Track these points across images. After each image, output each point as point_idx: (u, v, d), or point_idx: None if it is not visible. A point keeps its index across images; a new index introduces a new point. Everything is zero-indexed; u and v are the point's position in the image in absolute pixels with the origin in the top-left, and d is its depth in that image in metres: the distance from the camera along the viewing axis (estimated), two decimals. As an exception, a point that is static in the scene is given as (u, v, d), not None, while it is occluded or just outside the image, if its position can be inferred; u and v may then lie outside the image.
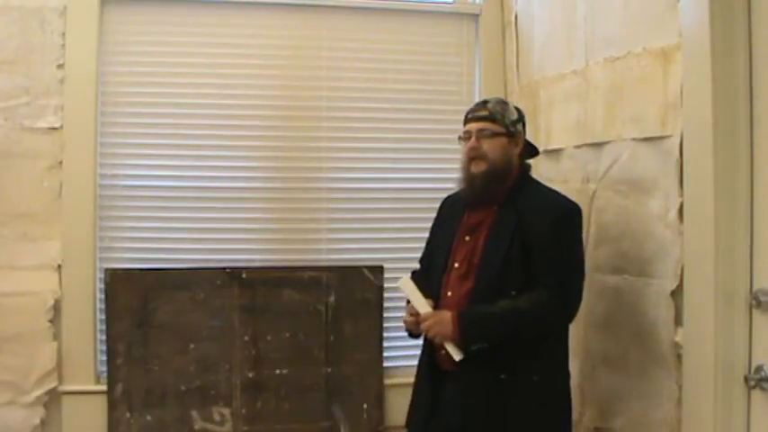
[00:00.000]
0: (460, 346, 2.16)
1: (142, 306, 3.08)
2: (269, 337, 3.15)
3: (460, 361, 2.16)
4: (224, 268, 3.16)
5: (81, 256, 3.11)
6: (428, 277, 2.40)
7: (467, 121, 2.34)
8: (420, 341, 2.40)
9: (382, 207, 3.41)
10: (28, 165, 3.07)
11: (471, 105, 2.41)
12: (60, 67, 3.09)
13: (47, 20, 3.09)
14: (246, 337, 3.13)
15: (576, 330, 2.68)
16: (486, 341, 2.14)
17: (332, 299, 3.20)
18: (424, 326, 2.20)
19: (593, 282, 2.58)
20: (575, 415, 2.68)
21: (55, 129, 3.09)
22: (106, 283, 3.08)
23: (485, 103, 2.35)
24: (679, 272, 2.12)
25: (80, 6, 3.11)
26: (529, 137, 3.14)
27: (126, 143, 3.24)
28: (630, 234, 2.38)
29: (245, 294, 3.14)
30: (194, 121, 3.28)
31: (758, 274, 1.92)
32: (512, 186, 2.28)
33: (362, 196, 3.41)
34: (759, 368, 1.88)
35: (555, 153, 2.90)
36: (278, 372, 3.15)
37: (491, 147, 2.26)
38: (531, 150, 2.40)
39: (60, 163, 3.10)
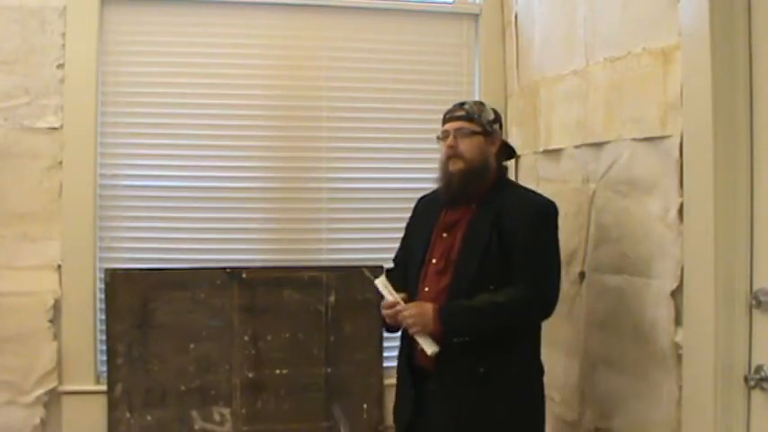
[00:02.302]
0: (439, 339, 2.19)
1: (142, 306, 3.08)
2: (269, 337, 3.15)
3: (438, 357, 2.19)
4: (224, 268, 3.16)
5: (81, 256, 3.11)
6: (404, 275, 2.43)
7: (445, 121, 2.39)
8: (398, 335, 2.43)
9: (382, 207, 3.41)
10: (28, 165, 3.07)
11: (450, 107, 2.45)
12: (60, 67, 3.10)
13: (47, 20, 3.09)
14: (246, 337, 3.13)
15: (575, 330, 2.68)
16: (466, 335, 2.19)
17: (332, 299, 3.20)
18: (405, 313, 2.22)
19: (594, 282, 2.58)
20: (575, 415, 2.68)
21: (55, 129, 3.09)
22: (106, 283, 3.08)
23: (462, 104, 2.40)
24: (679, 272, 2.12)
25: (80, 6, 3.12)
26: (529, 137, 3.16)
27: (126, 143, 3.24)
28: (630, 234, 2.38)
29: (245, 294, 3.14)
30: (194, 121, 3.29)
31: (758, 274, 1.92)
32: (490, 186, 2.33)
33: (362, 196, 3.41)
34: (759, 368, 1.88)
35: (555, 153, 2.90)
36: (278, 372, 3.15)
37: (468, 146, 2.31)
38: (509, 152, 2.46)
39: (60, 163, 3.10)
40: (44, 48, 3.09)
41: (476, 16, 3.51)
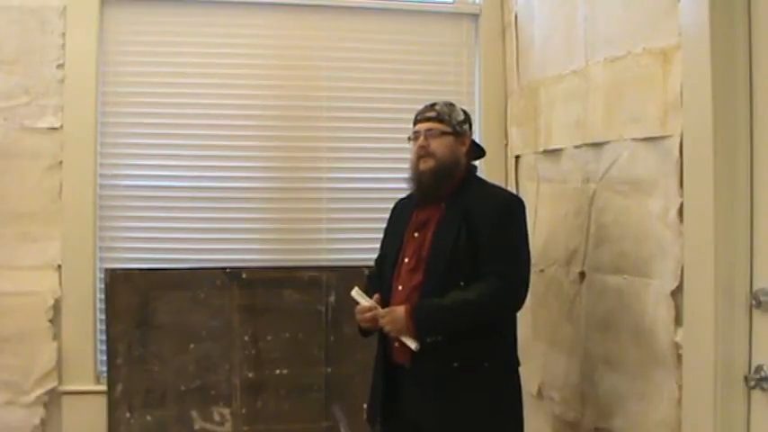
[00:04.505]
0: (416, 338, 2.23)
1: (142, 306, 3.08)
2: (269, 337, 3.15)
3: (414, 354, 2.24)
4: (224, 268, 3.15)
5: (81, 256, 3.11)
6: (382, 277, 2.49)
7: (416, 122, 2.46)
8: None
9: (382, 207, 3.37)
10: (28, 165, 3.07)
11: (421, 107, 2.49)
12: (60, 67, 3.10)
13: (47, 20, 3.09)
14: (246, 337, 3.13)
15: (575, 330, 2.68)
16: (440, 332, 2.24)
17: (332, 299, 3.20)
18: (381, 322, 2.28)
19: (594, 282, 2.58)
20: (575, 415, 2.68)
21: (55, 129, 3.09)
22: (106, 283, 3.07)
23: (433, 105, 2.46)
24: (679, 272, 2.12)
25: (80, 6, 3.12)
26: (529, 137, 3.16)
27: (126, 143, 3.24)
28: (630, 234, 2.38)
29: (245, 294, 3.14)
30: (194, 121, 3.29)
31: (758, 274, 1.92)
32: (458, 184, 2.38)
33: (362, 196, 3.41)
34: (759, 368, 1.88)
35: (555, 153, 2.90)
36: (278, 372, 3.15)
37: (439, 145, 2.37)
38: (478, 151, 2.51)
39: (60, 163, 3.10)
40: (44, 48, 3.09)
41: (476, 16, 3.51)
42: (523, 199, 2.47)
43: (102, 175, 3.19)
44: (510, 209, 2.33)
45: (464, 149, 2.42)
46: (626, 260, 2.40)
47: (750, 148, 1.94)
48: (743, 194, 1.94)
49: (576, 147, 2.72)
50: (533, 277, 3.00)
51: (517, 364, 2.39)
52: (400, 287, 2.35)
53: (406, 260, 2.37)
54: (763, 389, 1.87)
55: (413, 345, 2.22)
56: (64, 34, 3.10)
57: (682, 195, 2.11)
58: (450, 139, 2.38)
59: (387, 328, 2.28)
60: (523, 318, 3.12)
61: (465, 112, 2.47)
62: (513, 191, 3.29)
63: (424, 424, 2.26)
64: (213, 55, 3.29)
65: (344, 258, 3.33)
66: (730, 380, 1.93)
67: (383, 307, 2.33)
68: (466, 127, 2.44)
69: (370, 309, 2.34)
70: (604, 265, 2.51)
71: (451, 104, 2.47)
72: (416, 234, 2.38)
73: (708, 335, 1.96)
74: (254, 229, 3.34)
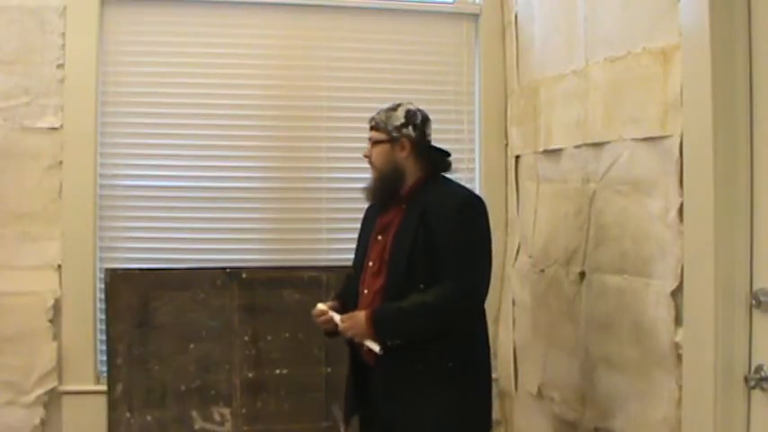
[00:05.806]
0: (377, 341, 2.24)
1: (142, 306, 3.07)
2: (269, 337, 3.15)
3: (381, 355, 2.24)
4: (224, 268, 3.15)
5: (81, 256, 3.11)
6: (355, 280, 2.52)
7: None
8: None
9: (382, 207, 3.40)
10: (28, 165, 3.07)
11: None
12: (60, 67, 3.10)
13: (47, 20, 3.09)
14: (246, 337, 3.13)
15: (575, 330, 2.68)
16: (400, 336, 2.24)
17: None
18: (341, 327, 2.31)
19: (594, 282, 2.59)
20: (575, 415, 2.68)
21: (55, 129, 3.09)
22: (106, 283, 3.07)
23: (378, 112, 2.46)
24: (679, 272, 2.12)
25: (80, 6, 3.12)
26: (529, 137, 3.16)
27: (126, 143, 3.24)
28: (630, 234, 2.38)
29: (245, 294, 3.14)
30: (194, 121, 3.29)
31: (758, 274, 1.92)
32: (417, 186, 2.37)
33: (362, 196, 3.40)
34: (759, 368, 1.88)
35: (555, 153, 2.90)
36: (278, 372, 3.15)
37: (376, 155, 2.42)
38: (439, 151, 2.44)
39: (60, 163, 3.10)
40: (44, 48, 3.09)
41: (476, 16, 3.51)
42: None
43: (102, 175, 3.19)
44: (467, 208, 2.30)
45: (403, 154, 2.37)
46: (626, 260, 2.40)
47: (750, 148, 1.94)
48: (743, 194, 1.95)
49: (576, 147, 2.72)
50: (534, 277, 3.01)
51: (487, 362, 2.37)
52: (365, 290, 2.38)
53: (371, 264, 2.39)
54: (763, 389, 1.87)
55: (376, 348, 2.24)
56: (64, 34, 3.10)
57: (682, 195, 2.11)
58: (385, 147, 2.39)
59: (349, 333, 2.30)
60: (523, 318, 3.12)
61: (408, 114, 2.39)
62: (513, 191, 3.29)
63: (393, 422, 2.28)
64: (213, 55, 3.29)
65: (344, 258, 3.31)
66: (730, 380, 1.93)
67: (340, 312, 2.36)
68: (406, 130, 2.37)
69: (322, 312, 2.38)
70: (604, 265, 2.51)
71: (393, 108, 2.43)
72: (380, 237, 2.40)
73: (708, 335, 1.96)
74: (254, 229, 3.34)
